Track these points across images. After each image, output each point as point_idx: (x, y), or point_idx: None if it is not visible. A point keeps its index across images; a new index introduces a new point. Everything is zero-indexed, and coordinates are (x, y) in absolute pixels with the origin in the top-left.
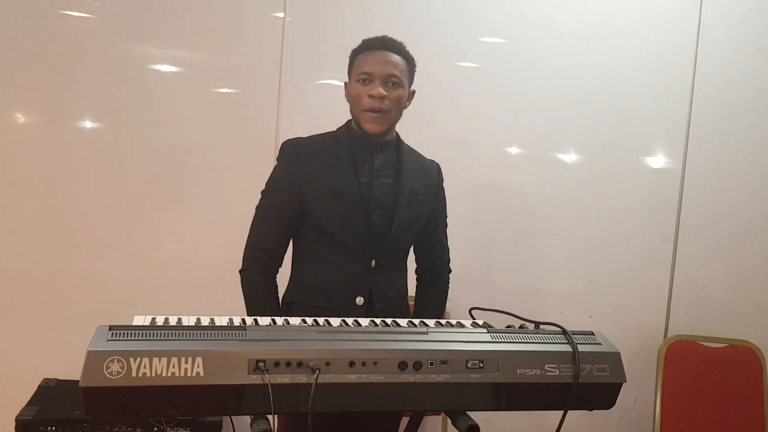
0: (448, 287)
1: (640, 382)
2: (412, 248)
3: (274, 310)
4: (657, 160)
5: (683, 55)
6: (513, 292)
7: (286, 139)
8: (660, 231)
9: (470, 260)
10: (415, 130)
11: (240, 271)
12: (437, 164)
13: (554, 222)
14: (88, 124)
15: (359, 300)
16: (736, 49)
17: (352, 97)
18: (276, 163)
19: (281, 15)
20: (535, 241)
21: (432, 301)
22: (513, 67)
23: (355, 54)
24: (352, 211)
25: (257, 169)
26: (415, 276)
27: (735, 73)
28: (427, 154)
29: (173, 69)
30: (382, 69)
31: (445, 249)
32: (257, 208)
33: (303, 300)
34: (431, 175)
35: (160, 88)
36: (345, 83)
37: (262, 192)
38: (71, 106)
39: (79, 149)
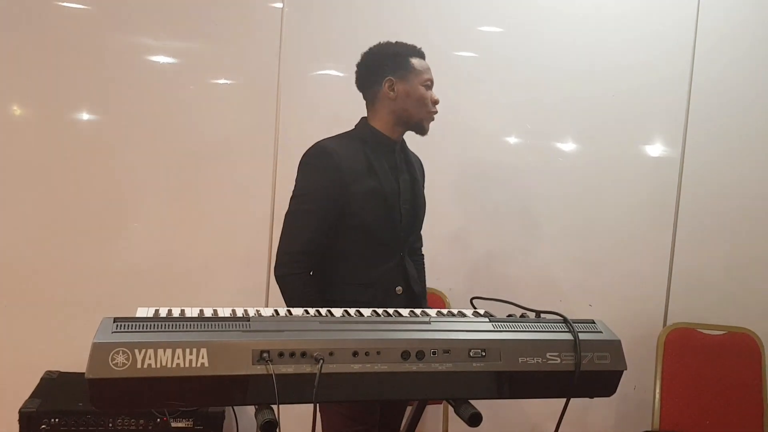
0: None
1: (640, 369)
2: None
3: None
4: (655, 148)
5: (681, 41)
6: (513, 281)
7: (314, 144)
8: (659, 219)
9: (470, 249)
10: None
11: (278, 276)
12: (417, 155)
13: (553, 211)
14: (86, 116)
15: (399, 289)
16: (735, 34)
17: (415, 98)
18: (307, 167)
19: (279, 5)
20: (535, 229)
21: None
22: (511, 56)
23: (407, 55)
24: (392, 210)
25: (257, 161)
26: None
27: (734, 60)
28: (427, 145)
29: (170, 60)
30: (430, 77)
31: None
32: (293, 212)
33: (348, 297)
34: (419, 164)
35: (157, 80)
36: (390, 80)
37: (296, 196)
38: (68, 98)
39: (77, 142)
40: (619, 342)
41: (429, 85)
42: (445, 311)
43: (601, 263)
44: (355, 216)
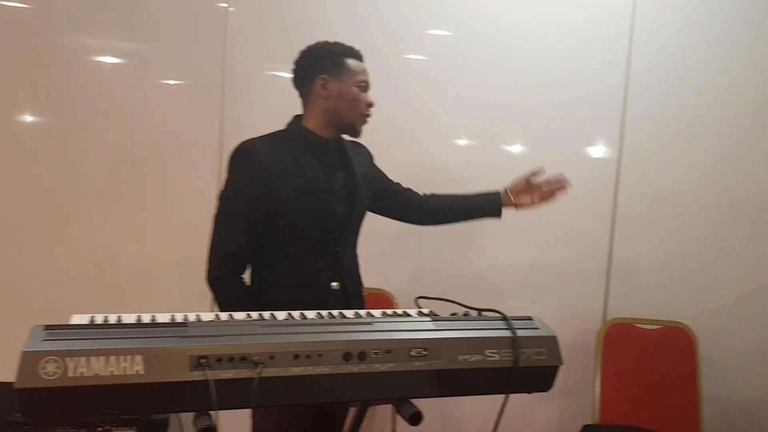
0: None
1: (582, 364)
2: (395, 209)
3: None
4: (595, 150)
5: (618, 45)
6: (460, 281)
7: (241, 143)
8: (599, 219)
9: (419, 249)
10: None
11: (209, 279)
12: (361, 143)
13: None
14: (28, 118)
15: (335, 285)
16: (669, 43)
17: (347, 99)
18: (234, 166)
19: (224, 5)
20: (481, 230)
21: (441, 196)
22: (460, 60)
23: (342, 55)
24: (323, 207)
25: (202, 163)
26: (420, 220)
27: (669, 62)
28: (375, 145)
29: (115, 60)
30: (364, 79)
31: (407, 188)
32: (220, 213)
33: (282, 298)
34: (364, 154)
35: (101, 80)
36: (323, 78)
37: (223, 197)
38: (10, 100)
39: (18, 144)
40: (555, 338)
41: (363, 86)
42: (390, 311)
43: (543, 262)
44: (284, 215)
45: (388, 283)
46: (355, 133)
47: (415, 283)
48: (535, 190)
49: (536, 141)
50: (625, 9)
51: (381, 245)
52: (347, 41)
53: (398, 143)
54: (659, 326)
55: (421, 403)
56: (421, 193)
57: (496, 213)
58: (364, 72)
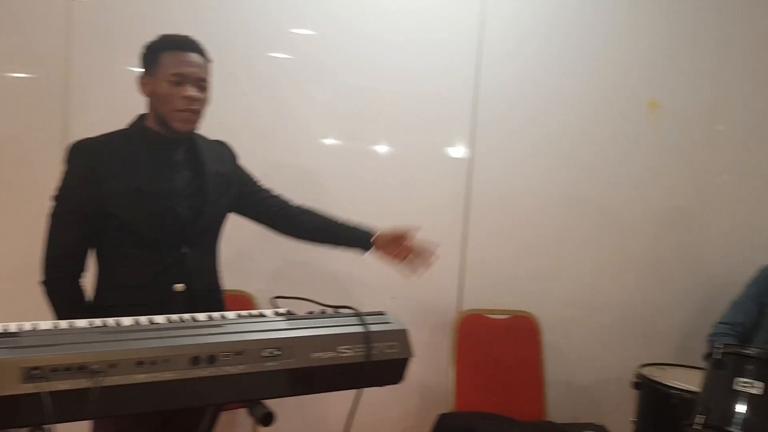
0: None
1: (439, 355)
2: (261, 215)
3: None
4: (451, 150)
5: (466, 48)
6: (324, 279)
7: (73, 142)
8: (453, 216)
9: (280, 249)
10: (225, 119)
11: (42, 282)
12: (224, 142)
13: (361, 210)
14: None
15: (178, 287)
16: (517, 47)
17: (160, 96)
18: (66, 166)
19: None
20: None
21: (310, 218)
22: (325, 59)
23: (158, 50)
24: (158, 207)
25: (44, 163)
26: (286, 231)
27: (517, 64)
28: (237, 144)
29: None
30: (194, 72)
31: (276, 195)
32: (52, 215)
33: (121, 301)
34: (226, 154)
35: None
36: (141, 77)
37: (55, 198)
38: None
39: None
40: (405, 331)
41: (179, 80)
42: (245, 313)
43: None
44: (117, 216)
45: (249, 283)
46: (174, 131)
47: (277, 282)
48: (402, 249)
49: (400, 141)
50: (473, 16)
51: (242, 245)
52: (207, 36)
53: (262, 142)
54: (508, 316)
55: (285, 403)
56: (294, 203)
57: (365, 249)
58: (180, 64)
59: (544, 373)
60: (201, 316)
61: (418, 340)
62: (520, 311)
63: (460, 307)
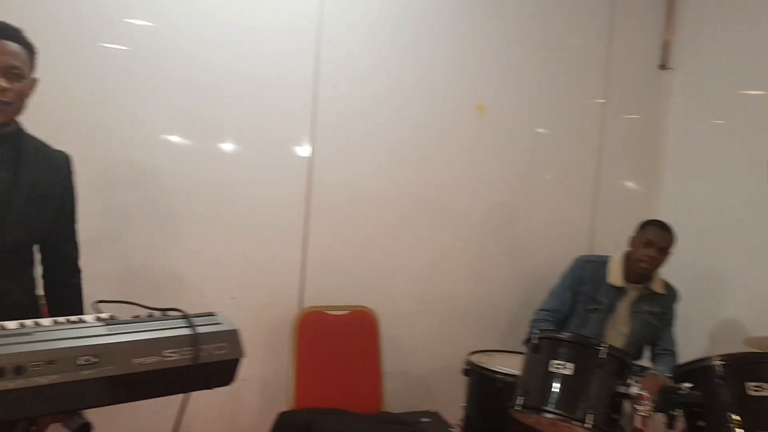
0: (81, 288)
1: (280, 353)
2: (43, 255)
3: None
4: (292, 148)
5: (305, 44)
6: (160, 281)
7: None
8: (294, 214)
9: (106, 252)
10: (51, 114)
11: None
12: (67, 155)
13: (200, 208)
14: None
15: None
16: (355, 41)
17: None
18: None
19: None
20: (181, 229)
21: (68, 302)
22: (164, 52)
23: None
24: None
25: None
26: (42, 279)
27: (353, 66)
28: (67, 142)
29: None
30: (2, 60)
31: (74, 247)
32: None
33: None
34: (59, 167)
35: None
36: None
37: None
38: None
39: None
40: (236, 331)
41: None
42: (63, 319)
43: (243, 257)
44: None
45: (92, 291)
46: None
47: (123, 287)
48: None
49: (241, 139)
50: (312, 12)
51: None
52: (28, 23)
53: (95, 139)
54: (347, 311)
55: (115, 409)
56: (75, 273)
57: None
58: None
59: (382, 365)
60: (11, 324)
61: (258, 340)
62: (360, 306)
63: (301, 304)
